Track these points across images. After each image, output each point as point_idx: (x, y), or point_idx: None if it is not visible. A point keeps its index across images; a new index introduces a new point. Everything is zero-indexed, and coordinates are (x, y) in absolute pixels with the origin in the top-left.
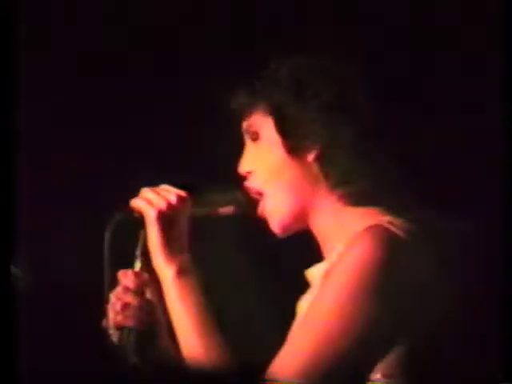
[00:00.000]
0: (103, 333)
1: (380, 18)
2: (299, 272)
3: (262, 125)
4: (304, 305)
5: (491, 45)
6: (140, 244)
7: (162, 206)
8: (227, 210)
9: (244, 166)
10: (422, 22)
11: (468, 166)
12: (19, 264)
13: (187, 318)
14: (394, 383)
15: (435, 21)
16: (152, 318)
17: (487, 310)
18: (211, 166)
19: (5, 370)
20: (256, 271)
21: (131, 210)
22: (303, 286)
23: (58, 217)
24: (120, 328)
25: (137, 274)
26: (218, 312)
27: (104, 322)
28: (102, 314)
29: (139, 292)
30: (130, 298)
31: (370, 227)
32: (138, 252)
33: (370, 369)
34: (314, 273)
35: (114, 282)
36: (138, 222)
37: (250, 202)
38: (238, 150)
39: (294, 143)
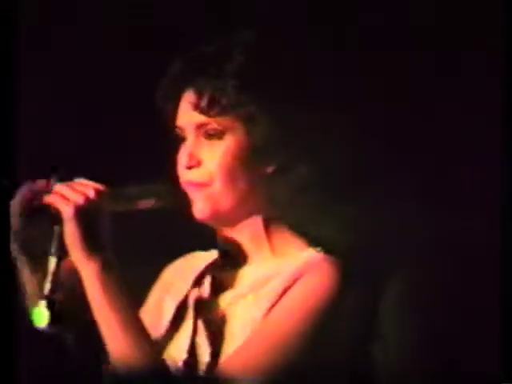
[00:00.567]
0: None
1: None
2: None
3: (229, 127)
4: (241, 308)
5: (491, 44)
6: (55, 241)
7: (79, 200)
8: (148, 203)
9: (191, 159)
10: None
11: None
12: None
13: (112, 316)
14: None
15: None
16: None
17: (487, 310)
18: (134, 160)
19: (5, 371)
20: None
21: (46, 206)
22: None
23: None
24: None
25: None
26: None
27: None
28: None
29: None
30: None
31: (326, 258)
32: (53, 249)
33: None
34: (247, 276)
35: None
36: (52, 219)
37: (177, 194)
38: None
39: (257, 154)
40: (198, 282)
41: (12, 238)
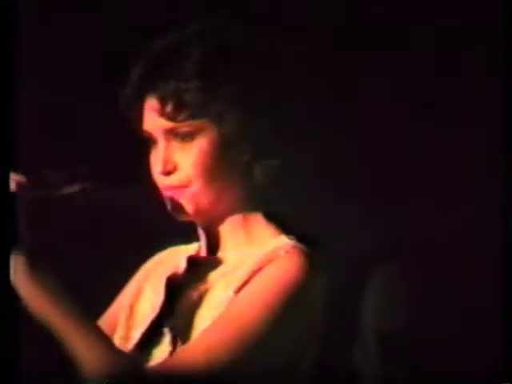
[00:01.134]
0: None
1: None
2: None
3: (198, 129)
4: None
5: (491, 42)
6: None
7: None
8: (72, 188)
9: (166, 164)
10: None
11: (467, 165)
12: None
13: (55, 316)
14: None
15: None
16: None
17: (487, 310)
18: None
19: (5, 372)
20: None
21: None
22: None
23: None
24: None
25: None
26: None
27: None
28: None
29: None
30: None
31: (294, 247)
32: None
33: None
34: (206, 268)
35: None
36: None
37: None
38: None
39: (231, 151)
40: (175, 271)
41: None
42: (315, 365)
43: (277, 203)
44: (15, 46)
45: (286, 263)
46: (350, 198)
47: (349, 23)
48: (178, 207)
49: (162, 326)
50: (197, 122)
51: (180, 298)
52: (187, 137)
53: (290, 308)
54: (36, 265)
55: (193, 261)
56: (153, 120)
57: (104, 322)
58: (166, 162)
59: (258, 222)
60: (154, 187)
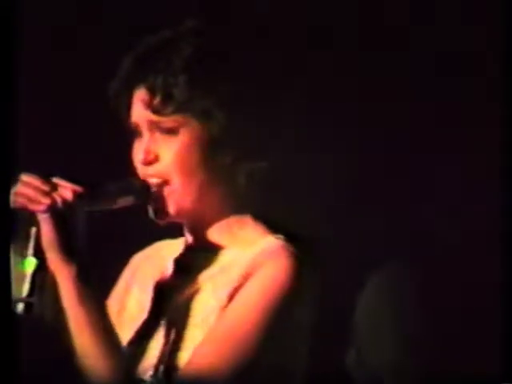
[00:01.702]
0: None
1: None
2: None
3: (182, 123)
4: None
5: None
6: (32, 243)
7: (56, 202)
8: (126, 200)
9: (146, 155)
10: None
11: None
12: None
13: (86, 323)
14: None
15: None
16: None
17: (487, 310)
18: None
19: (5, 373)
20: None
21: (20, 206)
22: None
23: None
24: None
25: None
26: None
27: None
28: None
29: None
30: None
31: (284, 246)
32: (30, 251)
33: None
34: (193, 268)
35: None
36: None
37: (146, 189)
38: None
39: (215, 146)
40: (162, 273)
41: None
42: (309, 366)
43: (264, 204)
44: (15, 46)
45: (275, 268)
46: (340, 197)
47: (342, 21)
48: (160, 209)
49: (151, 328)
50: (182, 118)
51: (168, 298)
52: (171, 131)
53: (283, 312)
54: (88, 276)
55: (179, 262)
56: (139, 111)
57: None
58: (147, 152)
59: (245, 222)
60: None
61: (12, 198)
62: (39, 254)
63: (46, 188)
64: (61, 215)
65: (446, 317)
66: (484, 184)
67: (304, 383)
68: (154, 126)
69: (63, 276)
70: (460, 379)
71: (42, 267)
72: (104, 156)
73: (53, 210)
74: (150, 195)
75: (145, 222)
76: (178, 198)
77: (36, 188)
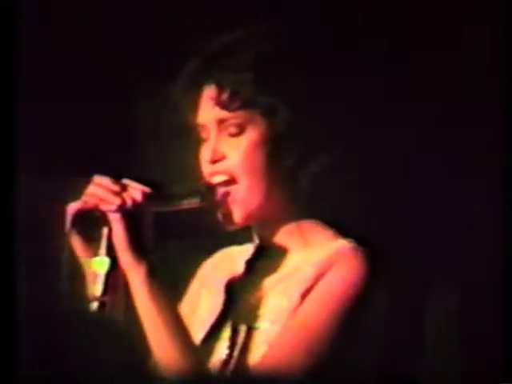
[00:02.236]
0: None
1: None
2: None
3: (250, 121)
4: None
5: (492, 45)
6: (104, 243)
7: (127, 203)
8: (192, 203)
9: (214, 154)
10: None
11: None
12: (19, 266)
13: (159, 320)
14: None
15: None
16: None
17: (488, 310)
18: (168, 161)
19: (4, 374)
20: None
21: (92, 208)
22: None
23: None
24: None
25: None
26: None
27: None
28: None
29: None
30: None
31: (357, 248)
32: (103, 251)
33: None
34: (264, 271)
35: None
36: (97, 219)
37: (213, 191)
38: (191, 145)
39: (279, 145)
40: (233, 275)
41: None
42: (375, 371)
43: (331, 207)
44: (15, 47)
45: (347, 269)
46: (405, 201)
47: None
48: (227, 214)
49: (222, 328)
50: (248, 114)
51: (238, 299)
52: (237, 130)
53: (354, 313)
54: (157, 275)
55: (250, 264)
56: (207, 110)
57: None
58: (214, 151)
59: (315, 226)
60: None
61: (84, 198)
62: (111, 253)
63: (116, 188)
64: (131, 215)
65: (446, 317)
66: (485, 183)
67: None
68: (221, 125)
69: (134, 275)
70: (460, 379)
71: (114, 266)
72: (104, 156)
73: (123, 210)
74: (215, 198)
75: (212, 222)
76: (245, 197)
77: (107, 188)
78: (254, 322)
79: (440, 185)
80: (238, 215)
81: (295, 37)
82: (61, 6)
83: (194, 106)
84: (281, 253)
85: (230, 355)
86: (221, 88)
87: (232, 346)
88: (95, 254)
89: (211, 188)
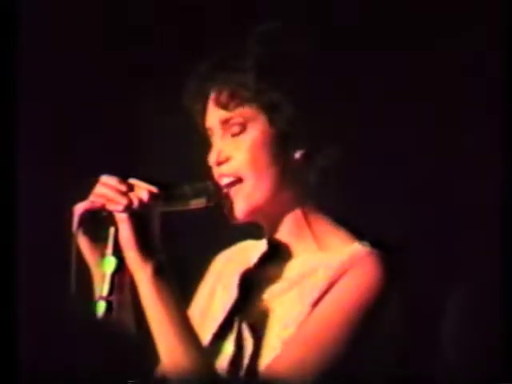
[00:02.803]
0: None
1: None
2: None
3: (250, 118)
4: (287, 302)
5: (491, 44)
6: (111, 243)
7: (134, 203)
8: (199, 202)
9: (218, 155)
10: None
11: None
12: (19, 263)
13: (167, 321)
14: None
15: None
16: None
17: (488, 310)
18: (175, 160)
19: (4, 371)
20: None
21: (99, 208)
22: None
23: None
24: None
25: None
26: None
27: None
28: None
29: None
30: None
31: (371, 254)
32: (109, 251)
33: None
34: (275, 272)
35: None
36: (104, 219)
37: (219, 191)
38: (200, 143)
39: (282, 141)
40: (246, 276)
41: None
42: (392, 376)
43: (343, 206)
44: (16, 47)
45: (362, 275)
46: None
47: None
48: (233, 208)
49: (232, 327)
50: (249, 111)
51: (252, 299)
52: (240, 128)
53: (368, 318)
54: (165, 274)
55: (264, 263)
56: (212, 113)
57: None
58: (219, 153)
59: (325, 224)
60: None
61: (90, 198)
62: (118, 253)
63: (123, 188)
64: (138, 215)
65: (446, 317)
66: (485, 183)
67: None
68: (225, 125)
69: (141, 274)
70: (460, 379)
71: (120, 266)
72: (110, 156)
73: (130, 210)
74: (222, 197)
75: (220, 221)
76: (251, 194)
77: (114, 188)
78: (267, 326)
79: (455, 184)
80: (239, 210)
81: (296, 35)
82: (61, 6)
83: (203, 110)
84: (293, 255)
85: (237, 356)
86: (220, 89)
87: (240, 347)
88: (102, 253)
89: (219, 188)
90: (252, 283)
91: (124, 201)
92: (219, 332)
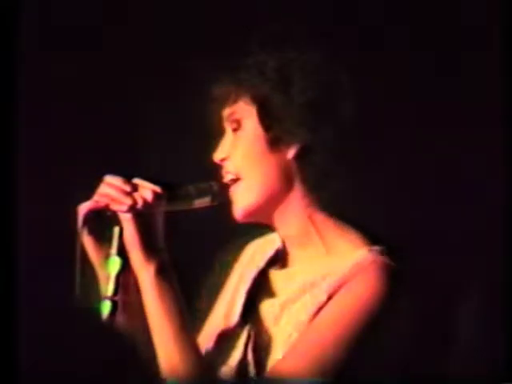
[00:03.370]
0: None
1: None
2: None
3: (245, 114)
4: (294, 309)
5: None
6: (115, 242)
7: (138, 203)
8: (203, 202)
9: (220, 153)
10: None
11: (467, 168)
12: (19, 265)
13: (166, 321)
14: None
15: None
16: None
17: (489, 310)
18: (184, 160)
19: (5, 371)
20: None
21: (103, 208)
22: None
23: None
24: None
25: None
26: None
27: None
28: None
29: None
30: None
31: (377, 262)
32: (114, 251)
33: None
34: (284, 276)
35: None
36: (108, 219)
37: (224, 190)
38: (210, 142)
39: (274, 136)
40: (257, 281)
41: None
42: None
43: (354, 213)
44: (16, 47)
45: (362, 284)
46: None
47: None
48: (235, 206)
49: (239, 332)
50: (243, 106)
51: (260, 306)
52: (236, 124)
53: (368, 327)
54: (168, 275)
55: (274, 271)
56: (221, 110)
57: (205, 332)
58: (221, 150)
59: (334, 229)
60: None
61: (95, 198)
62: (123, 253)
63: (127, 188)
64: (142, 215)
65: (446, 316)
66: (485, 184)
67: None
68: (227, 121)
69: (142, 275)
70: (460, 379)
71: (125, 266)
72: (115, 155)
73: (134, 210)
74: (226, 197)
75: (224, 220)
76: (245, 193)
77: (118, 188)
78: (271, 334)
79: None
80: (236, 210)
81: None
82: (61, 6)
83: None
84: (302, 260)
85: (243, 361)
86: (221, 85)
87: (246, 355)
88: (107, 253)
89: (222, 187)
90: (262, 289)
91: (128, 201)
92: (227, 337)
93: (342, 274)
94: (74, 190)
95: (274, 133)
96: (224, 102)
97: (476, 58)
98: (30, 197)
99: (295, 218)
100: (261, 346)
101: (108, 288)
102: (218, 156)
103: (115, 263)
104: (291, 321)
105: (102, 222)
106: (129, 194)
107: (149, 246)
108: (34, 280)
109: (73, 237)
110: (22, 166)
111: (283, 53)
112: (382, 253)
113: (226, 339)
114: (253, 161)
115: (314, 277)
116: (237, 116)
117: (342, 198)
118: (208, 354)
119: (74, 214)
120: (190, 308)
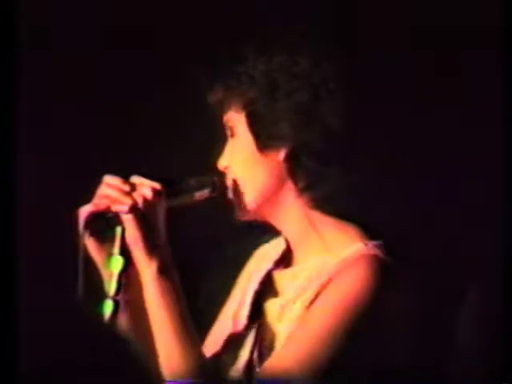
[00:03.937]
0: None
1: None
2: None
3: (236, 120)
4: (294, 308)
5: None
6: (118, 242)
7: (138, 203)
8: (204, 194)
9: (221, 162)
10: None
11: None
12: (20, 266)
13: (167, 319)
14: None
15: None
16: None
17: (489, 310)
18: (187, 161)
19: (5, 371)
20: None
21: (104, 208)
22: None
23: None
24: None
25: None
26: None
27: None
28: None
29: None
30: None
31: (365, 256)
32: (116, 250)
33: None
34: (287, 276)
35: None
36: (109, 220)
37: (221, 181)
38: (213, 144)
39: (263, 141)
40: (265, 282)
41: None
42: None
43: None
44: (16, 47)
45: (354, 276)
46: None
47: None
48: (237, 203)
49: (245, 334)
50: (234, 112)
51: (267, 303)
52: (231, 131)
53: (362, 318)
54: (170, 272)
55: (279, 271)
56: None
57: (213, 333)
58: (223, 158)
59: (330, 223)
60: None
61: (95, 200)
62: (125, 252)
63: (126, 188)
64: (143, 214)
65: (446, 317)
66: (485, 183)
67: None
68: (227, 130)
69: (145, 273)
70: (460, 379)
71: (128, 265)
72: (112, 154)
73: (135, 210)
74: (225, 188)
75: (226, 218)
76: (247, 192)
77: (118, 189)
78: (275, 333)
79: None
80: (236, 211)
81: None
82: (61, 6)
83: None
84: (302, 258)
85: (249, 360)
86: (216, 92)
87: (252, 351)
88: (109, 254)
89: (221, 178)
90: (268, 290)
91: (129, 201)
92: (233, 338)
93: (333, 268)
94: (74, 189)
95: (263, 138)
96: (220, 109)
97: (476, 58)
98: (30, 197)
99: (293, 217)
100: (265, 346)
101: (110, 287)
102: (221, 164)
103: (118, 262)
104: (292, 319)
105: (104, 223)
106: (128, 194)
107: (151, 244)
108: (33, 280)
109: (73, 236)
110: (21, 166)
111: (271, 57)
112: (377, 247)
113: (233, 339)
114: (246, 165)
115: (311, 274)
116: (230, 123)
117: (337, 196)
118: (216, 353)
119: (75, 214)
120: (190, 307)
